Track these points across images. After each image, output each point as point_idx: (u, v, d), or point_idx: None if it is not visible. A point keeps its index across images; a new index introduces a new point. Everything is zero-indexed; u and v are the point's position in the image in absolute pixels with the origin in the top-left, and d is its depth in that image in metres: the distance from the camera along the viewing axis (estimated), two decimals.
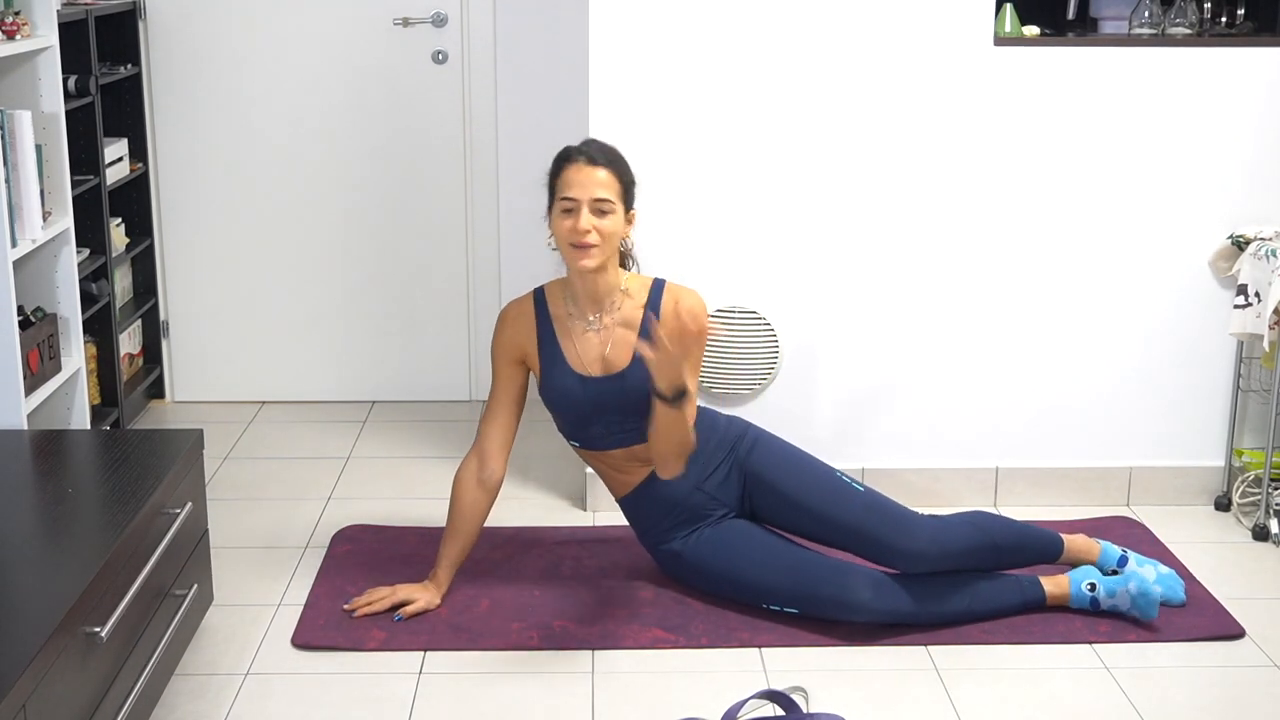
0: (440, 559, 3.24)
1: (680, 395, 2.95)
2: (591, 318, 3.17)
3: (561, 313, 3.20)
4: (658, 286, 3.19)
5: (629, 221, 3.11)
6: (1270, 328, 3.54)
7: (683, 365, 2.93)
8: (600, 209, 3.02)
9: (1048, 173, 3.71)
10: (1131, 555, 3.31)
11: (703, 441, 3.23)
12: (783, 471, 3.25)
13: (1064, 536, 3.33)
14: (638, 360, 3.09)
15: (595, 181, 3.02)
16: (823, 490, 3.22)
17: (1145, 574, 3.21)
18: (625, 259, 3.25)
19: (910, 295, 3.77)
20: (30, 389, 3.36)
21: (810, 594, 3.12)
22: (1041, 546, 3.29)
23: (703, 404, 3.75)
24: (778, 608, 3.17)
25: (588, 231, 3.01)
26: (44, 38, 3.52)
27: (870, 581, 3.10)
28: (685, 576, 3.29)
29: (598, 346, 3.17)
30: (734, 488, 3.25)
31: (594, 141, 3.14)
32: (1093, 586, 3.20)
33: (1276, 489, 3.68)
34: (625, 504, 3.31)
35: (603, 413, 3.18)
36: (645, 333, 3.08)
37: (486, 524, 3.56)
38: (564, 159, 3.09)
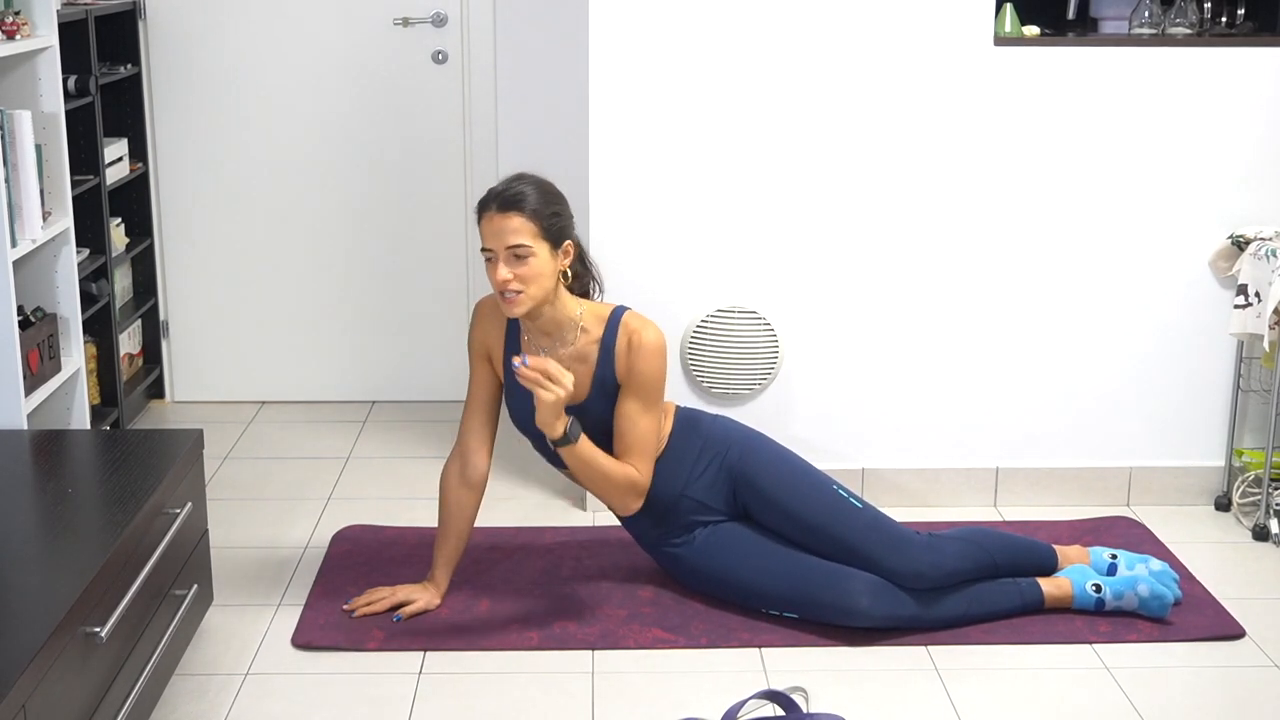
0: (436, 560, 3.24)
1: (559, 441, 2.97)
2: (542, 351, 3.14)
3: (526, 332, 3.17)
4: (614, 320, 3.11)
5: (565, 253, 3.04)
6: (1270, 328, 3.54)
7: (558, 410, 2.94)
8: (517, 255, 2.97)
9: (1048, 173, 3.71)
10: (1121, 557, 3.30)
11: (683, 445, 3.23)
12: (778, 481, 3.22)
13: (1057, 548, 3.33)
14: (595, 395, 3.11)
15: (507, 229, 2.96)
16: (821, 505, 3.19)
17: (1140, 574, 3.21)
18: (587, 285, 3.19)
19: (910, 295, 3.77)
20: (30, 389, 3.36)
21: (809, 599, 3.12)
22: (1037, 560, 3.28)
23: (696, 405, 3.76)
24: (777, 613, 3.17)
25: (508, 281, 2.98)
26: (44, 38, 3.52)
27: (868, 587, 3.10)
28: (685, 579, 3.28)
29: None
30: (723, 492, 3.23)
31: (511, 183, 3.02)
32: (1098, 588, 3.20)
33: (1276, 489, 3.68)
34: (616, 513, 3.32)
35: None
36: (510, 361, 3.02)
37: (487, 524, 3.57)
38: (480, 208, 3.02)
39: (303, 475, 4.08)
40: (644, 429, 3.11)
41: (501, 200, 2.98)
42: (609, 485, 3.12)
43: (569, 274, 3.08)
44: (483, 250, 3.02)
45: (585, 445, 3.05)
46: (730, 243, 3.73)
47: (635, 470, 3.12)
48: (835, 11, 3.59)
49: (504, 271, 2.97)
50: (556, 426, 2.99)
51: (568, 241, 3.05)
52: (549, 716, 2.83)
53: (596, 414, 3.13)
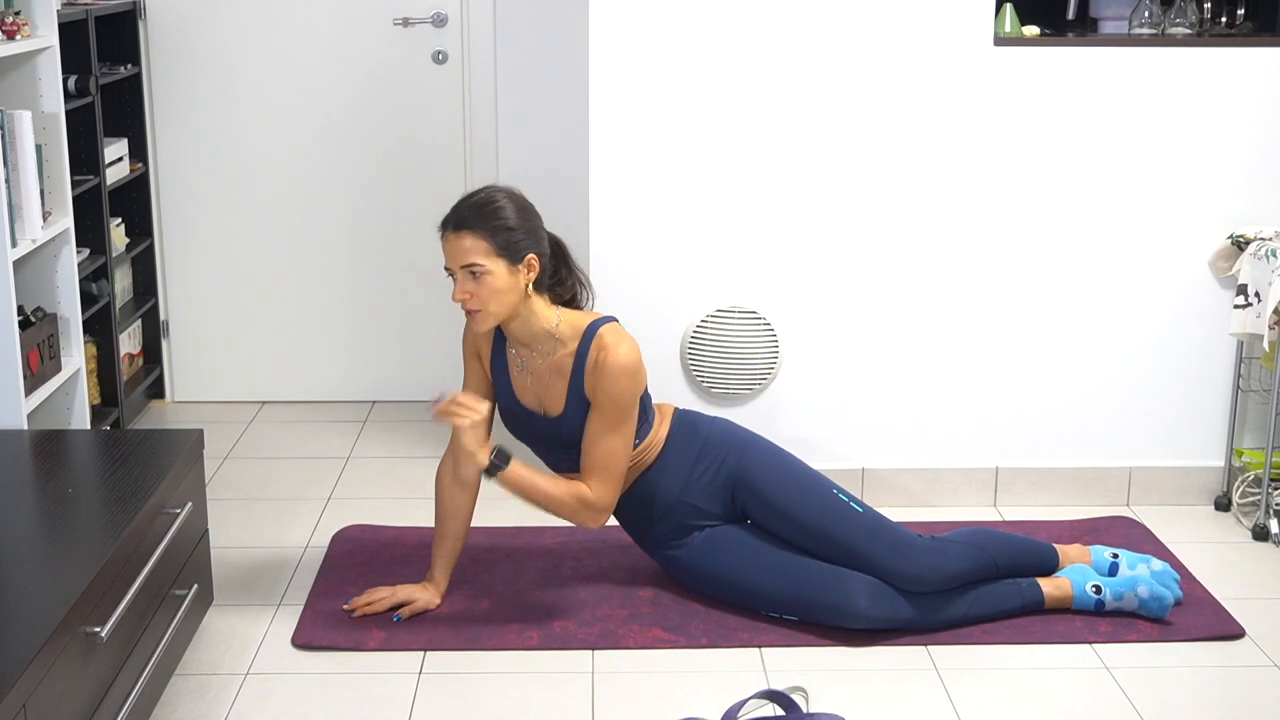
0: (434, 560, 3.24)
1: (487, 471, 3.00)
2: (522, 361, 3.14)
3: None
4: (589, 333, 3.08)
5: (529, 268, 3.00)
6: (1270, 328, 3.54)
7: (480, 439, 2.99)
8: (472, 273, 2.97)
9: (1047, 173, 3.71)
10: (1123, 557, 3.31)
11: (682, 448, 3.22)
12: (777, 486, 3.21)
13: (1057, 547, 3.33)
14: (570, 409, 3.10)
15: (460, 249, 2.96)
16: (821, 509, 3.18)
17: (1141, 574, 3.21)
18: (574, 292, 3.17)
19: (910, 295, 3.77)
20: (30, 389, 3.36)
21: (807, 601, 3.12)
22: (1039, 560, 3.28)
23: (696, 405, 3.76)
24: (776, 614, 3.17)
25: (466, 298, 2.99)
26: (44, 38, 3.52)
27: (868, 589, 3.10)
28: (685, 580, 3.28)
29: (531, 387, 3.15)
30: (720, 496, 3.22)
31: (468, 199, 3.02)
32: (1098, 589, 3.20)
33: (1276, 489, 3.68)
34: (615, 513, 3.30)
35: (548, 445, 3.17)
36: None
37: (486, 524, 3.57)
38: (440, 227, 3.02)
39: (303, 475, 4.08)
40: (605, 450, 3.07)
41: (455, 220, 2.99)
42: (557, 508, 3.09)
43: (530, 288, 3.04)
44: (445, 268, 3.02)
45: (515, 472, 3.02)
46: (730, 243, 3.73)
47: (587, 489, 3.07)
48: (835, 12, 3.59)
49: (459, 291, 2.99)
50: (480, 455, 2.98)
51: (530, 255, 3.01)
52: (549, 716, 2.83)
53: (573, 428, 3.11)
